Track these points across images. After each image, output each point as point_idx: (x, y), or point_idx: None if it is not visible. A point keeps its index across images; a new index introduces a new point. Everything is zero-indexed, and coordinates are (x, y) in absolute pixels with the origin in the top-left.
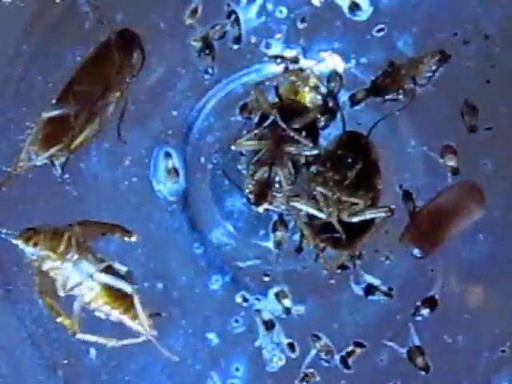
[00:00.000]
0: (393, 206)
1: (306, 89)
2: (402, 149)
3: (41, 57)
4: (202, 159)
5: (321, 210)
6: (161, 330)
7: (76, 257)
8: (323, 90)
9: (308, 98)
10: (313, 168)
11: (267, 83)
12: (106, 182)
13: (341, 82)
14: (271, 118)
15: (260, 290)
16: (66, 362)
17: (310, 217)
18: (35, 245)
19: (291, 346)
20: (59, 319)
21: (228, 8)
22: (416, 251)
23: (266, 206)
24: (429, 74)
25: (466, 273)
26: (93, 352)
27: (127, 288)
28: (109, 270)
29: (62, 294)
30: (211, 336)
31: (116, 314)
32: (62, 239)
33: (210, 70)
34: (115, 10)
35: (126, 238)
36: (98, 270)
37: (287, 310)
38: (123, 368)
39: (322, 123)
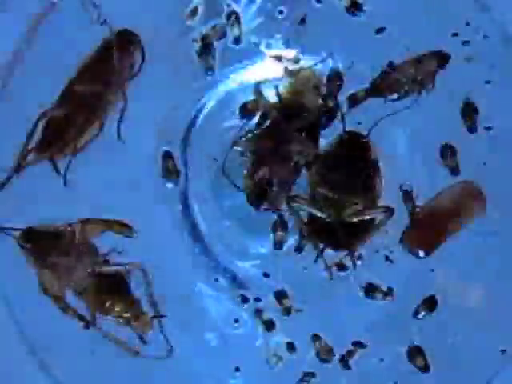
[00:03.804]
0: (393, 206)
1: (306, 89)
2: (401, 149)
3: (41, 57)
4: (202, 159)
5: (321, 210)
6: (160, 329)
7: (78, 252)
8: (323, 89)
9: (308, 98)
10: (313, 168)
11: (267, 83)
12: (105, 181)
13: (341, 81)
14: (271, 118)
15: (260, 290)
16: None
17: (310, 217)
18: (35, 243)
19: (291, 346)
20: (69, 314)
21: (228, 8)
22: (416, 251)
23: (265, 206)
24: (428, 75)
25: (466, 273)
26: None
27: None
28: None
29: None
30: (211, 336)
31: (117, 313)
32: (64, 236)
33: (210, 70)
34: (115, 10)
35: (126, 233)
36: (98, 262)
37: (287, 310)
38: (123, 369)
39: (321, 123)
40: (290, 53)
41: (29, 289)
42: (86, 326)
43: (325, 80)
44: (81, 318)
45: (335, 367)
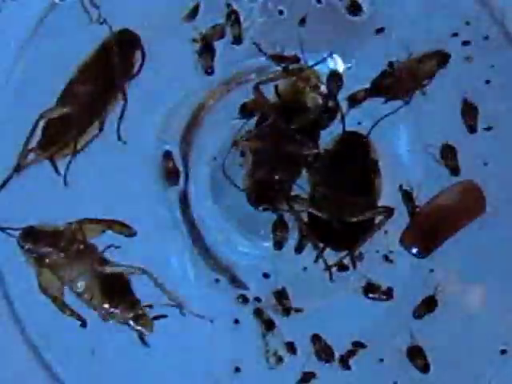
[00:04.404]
0: (393, 206)
1: (306, 89)
2: (401, 149)
3: (41, 57)
4: (202, 159)
5: (321, 210)
6: (160, 330)
7: (77, 252)
8: (323, 89)
9: (308, 97)
10: (313, 168)
11: (267, 83)
12: (105, 181)
13: (341, 82)
14: (271, 117)
15: (260, 290)
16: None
17: (310, 217)
18: (35, 242)
19: (291, 346)
20: (66, 314)
21: (228, 8)
22: (416, 251)
23: (265, 206)
24: (428, 75)
25: (466, 273)
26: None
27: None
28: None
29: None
30: (211, 336)
31: (118, 314)
32: (64, 236)
33: (210, 70)
34: (115, 9)
35: (126, 233)
36: (98, 262)
37: (287, 310)
38: (123, 368)
39: (321, 123)
40: (290, 53)
41: (29, 288)
42: (84, 325)
43: (325, 80)
44: (78, 317)
45: (335, 367)
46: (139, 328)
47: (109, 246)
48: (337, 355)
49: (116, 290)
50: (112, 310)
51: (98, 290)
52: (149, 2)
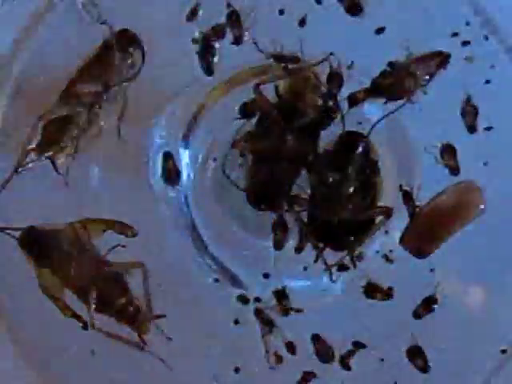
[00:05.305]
0: (392, 206)
1: (306, 89)
2: (401, 148)
3: (41, 57)
4: (203, 159)
5: (321, 210)
6: (160, 330)
7: (79, 252)
8: (323, 89)
9: (308, 98)
10: (313, 168)
11: (267, 83)
12: (105, 182)
13: (341, 82)
14: (271, 118)
15: (260, 290)
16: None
17: (310, 217)
18: (35, 242)
19: (291, 346)
20: (67, 315)
21: (228, 8)
22: (416, 251)
23: (265, 206)
24: (429, 75)
25: (466, 273)
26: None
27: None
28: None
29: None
30: (211, 336)
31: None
32: (64, 236)
33: (210, 71)
34: (115, 9)
35: (127, 233)
36: (100, 262)
37: (287, 310)
38: (122, 368)
39: (321, 123)
40: (290, 53)
41: (29, 289)
42: (85, 328)
43: (325, 80)
44: (79, 318)
45: (335, 367)
46: (137, 328)
47: (115, 246)
48: (337, 355)
49: (115, 289)
50: (111, 309)
51: (96, 289)
52: (149, 2)
